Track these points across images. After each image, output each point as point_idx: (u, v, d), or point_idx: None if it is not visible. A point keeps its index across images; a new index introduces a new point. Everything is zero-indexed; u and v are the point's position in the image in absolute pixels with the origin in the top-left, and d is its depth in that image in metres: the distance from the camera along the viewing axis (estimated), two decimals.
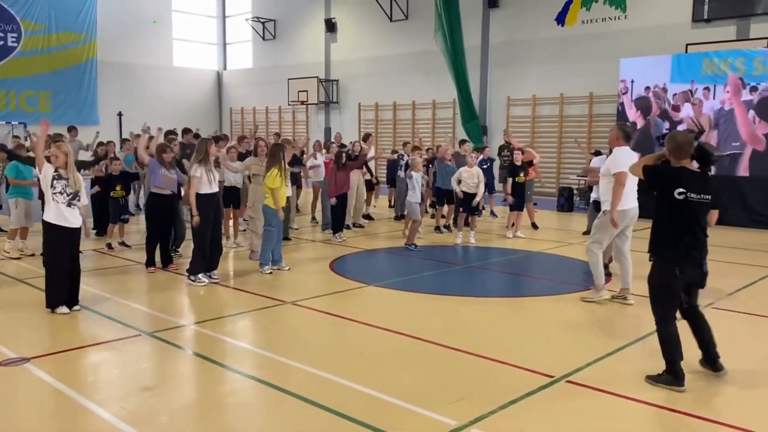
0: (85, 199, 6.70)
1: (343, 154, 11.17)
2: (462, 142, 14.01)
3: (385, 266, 9.69)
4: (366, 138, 14.17)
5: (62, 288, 6.49)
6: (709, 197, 4.72)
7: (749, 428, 4.04)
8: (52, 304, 6.49)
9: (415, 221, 10.49)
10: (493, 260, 9.95)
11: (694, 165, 4.81)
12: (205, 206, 7.80)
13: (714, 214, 5.79)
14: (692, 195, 4.63)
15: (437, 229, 12.14)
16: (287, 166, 8.96)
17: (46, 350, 5.45)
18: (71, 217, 6.47)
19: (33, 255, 9.26)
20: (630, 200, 6.95)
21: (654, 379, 4.75)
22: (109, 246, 10.03)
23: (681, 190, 4.64)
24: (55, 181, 6.42)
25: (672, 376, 4.68)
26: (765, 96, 13.20)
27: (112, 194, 10.05)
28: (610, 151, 7.15)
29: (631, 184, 6.90)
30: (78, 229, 6.58)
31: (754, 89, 13.30)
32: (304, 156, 13.15)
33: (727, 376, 4.97)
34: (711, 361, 4.91)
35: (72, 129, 14.54)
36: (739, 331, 6.37)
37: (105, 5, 24.66)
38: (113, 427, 4.02)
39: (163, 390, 4.64)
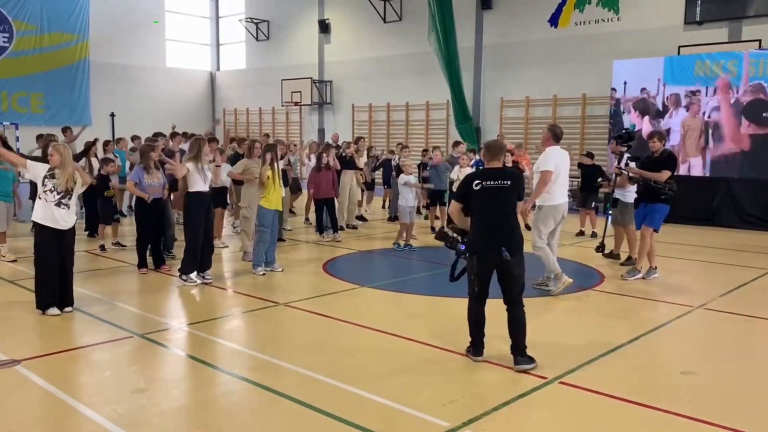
0: (73, 200, 6.58)
1: (323, 156, 11.15)
2: (456, 143, 14.04)
3: (379, 267, 9.68)
4: (356, 141, 14.19)
5: (51, 289, 6.44)
6: (508, 182, 5.17)
7: (741, 429, 4.05)
8: (41, 305, 6.45)
9: (403, 224, 10.51)
10: None
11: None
12: (196, 205, 7.77)
13: (522, 205, 5.97)
14: (488, 182, 5.14)
15: (433, 229, 12.15)
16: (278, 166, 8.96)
17: (37, 352, 5.42)
18: (60, 218, 6.41)
19: (15, 260, 9.17)
20: (559, 197, 7.43)
21: (467, 351, 5.34)
22: (102, 247, 9.98)
23: (477, 181, 5.19)
24: (46, 180, 6.38)
25: (474, 348, 5.27)
26: (754, 97, 13.27)
27: (105, 194, 10.00)
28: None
29: (562, 181, 7.42)
30: (69, 231, 6.52)
31: (746, 91, 13.37)
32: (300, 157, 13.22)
33: (718, 377, 4.99)
34: (513, 353, 5.12)
35: (67, 130, 14.47)
36: (731, 332, 6.40)
37: (98, 5, 24.54)
38: (104, 429, 3.99)
39: (155, 392, 4.62)
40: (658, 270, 8.32)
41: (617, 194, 9.29)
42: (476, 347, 5.26)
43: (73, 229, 6.59)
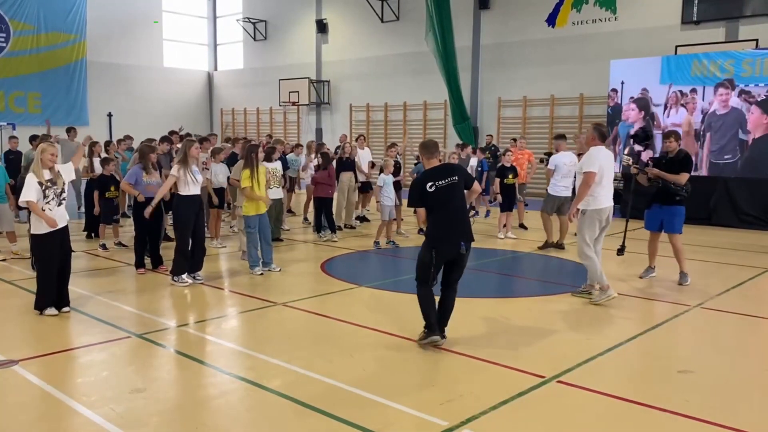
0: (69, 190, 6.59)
1: (326, 155, 11.19)
2: (463, 145, 14.07)
3: (376, 267, 9.68)
4: (356, 139, 14.19)
5: (52, 291, 6.44)
6: (456, 177, 5.52)
7: (740, 428, 4.06)
8: (40, 306, 6.44)
9: (383, 222, 10.57)
10: (483, 261, 9.95)
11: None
12: (185, 208, 7.77)
13: (472, 193, 6.02)
14: (440, 182, 5.45)
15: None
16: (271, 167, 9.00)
17: (35, 352, 5.41)
18: (62, 217, 6.41)
19: (5, 260, 9.15)
20: (604, 200, 7.04)
21: (421, 339, 5.50)
22: (104, 246, 9.99)
23: (430, 183, 5.47)
24: (47, 191, 6.30)
25: (429, 330, 5.46)
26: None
27: (106, 195, 9.99)
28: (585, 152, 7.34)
29: (606, 183, 7.01)
30: (66, 227, 6.51)
31: (743, 92, 13.39)
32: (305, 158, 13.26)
33: (716, 376, 5.00)
34: (440, 329, 5.54)
35: (71, 130, 14.44)
36: (728, 331, 6.41)
37: (95, 5, 24.52)
38: (102, 429, 3.99)
39: (153, 392, 4.61)
40: (656, 269, 8.34)
41: (549, 186, 10.41)
42: (431, 328, 5.50)
43: (67, 226, 6.57)
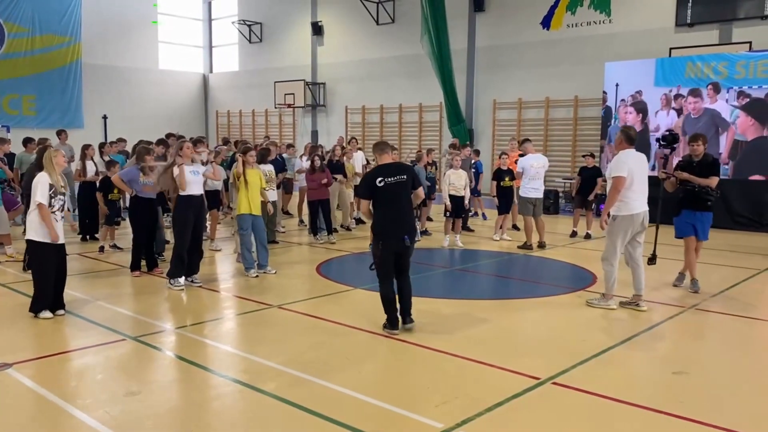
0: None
1: (317, 158, 11.17)
2: (463, 146, 14.09)
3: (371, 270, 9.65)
4: (349, 142, 14.24)
5: (49, 294, 6.41)
6: (404, 176, 5.94)
7: (734, 429, 4.07)
8: (36, 309, 6.40)
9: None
10: (479, 263, 9.98)
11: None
12: (185, 208, 7.75)
13: (416, 196, 6.24)
14: (389, 179, 5.86)
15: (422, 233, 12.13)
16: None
17: (30, 355, 5.40)
18: (61, 230, 6.38)
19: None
20: (637, 205, 6.78)
21: (384, 327, 6.00)
22: (102, 249, 9.98)
23: (380, 179, 5.87)
24: (53, 200, 6.26)
25: (391, 325, 5.95)
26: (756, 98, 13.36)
27: (110, 197, 9.98)
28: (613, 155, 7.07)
29: (640, 187, 6.77)
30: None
31: (740, 93, 13.44)
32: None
33: (710, 377, 5.02)
34: (402, 316, 6.02)
35: (62, 132, 14.37)
36: (722, 332, 6.43)
37: (89, 7, 24.46)
38: None
39: (148, 394, 4.61)
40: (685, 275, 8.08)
41: (520, 189, 10.67)
42: (392, 322, 5.97)
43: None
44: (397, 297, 6.02)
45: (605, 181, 10.29)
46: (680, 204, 7.79)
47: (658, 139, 8.42)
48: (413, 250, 6.14)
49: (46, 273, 6.36)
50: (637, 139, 6.91)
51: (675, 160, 8.33)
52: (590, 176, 11.81)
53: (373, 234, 6.06)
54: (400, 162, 6.32)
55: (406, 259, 6.05)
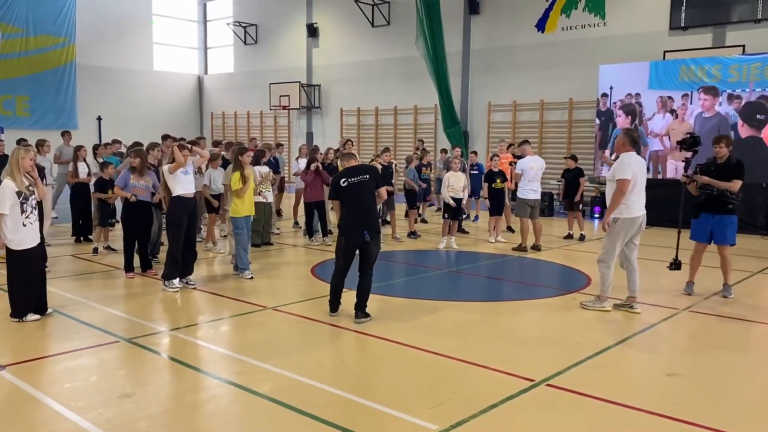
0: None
1: (315, 160, 11.15)
2: (454, 148, 14.10)
3: None
4: (344, 145, 14.24)
5: (29, 299, 6.32)
6: (367, 176, 6.40)
7: (728, 430, 4.09)
8: (18, 314, 6.31)
9: None
10: (474, 264, 9.99)
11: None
12: (178, 209, 7.73)
13: (379, 196, 6.64)
14: (352, 179, 6.35)
15: (411, 234, 12.09)
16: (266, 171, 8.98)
17: (23, 357, 5.37)
18: (33, 238, 6.28)
19: None
20: (638, 208, 6.80)
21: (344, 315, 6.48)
22: (96, 250, 9.95)
23: (344, 179, 6.37)
24: (24, 205, 6.12)
25: (331, 309, 6.58)
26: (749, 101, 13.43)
27: (104, 197, 9.93)
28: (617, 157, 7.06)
29: (639, 190, 6.78)
30: (41, 241, 6.43)
31: (733, 96, 13.50)
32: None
33: (704, 379, 5.03)
34: (355, 310, 6.44)
35: (66, 133, 14.30)
36: (716, 334, 6.45)
37: (84, 8, 24.41)
38: None
39: (142, 396, 4.59)
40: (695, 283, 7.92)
41: (518, 191, 10.70)
42: (333, 306, 6.59)
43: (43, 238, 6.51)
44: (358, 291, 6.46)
45: (589, 181, 10.37)
46: (700, 207, 7.64)
47: (678, 142, 8.24)
48: (377, 250, 6.50)
49: (28, 279, 6.27)
50: (639, 142, 6.86)
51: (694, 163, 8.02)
52: (573, 178, 11.90)
53: (339, 230, 6.54)
54: (364, 164, 7.01)
55: (369, 256, 6.41)
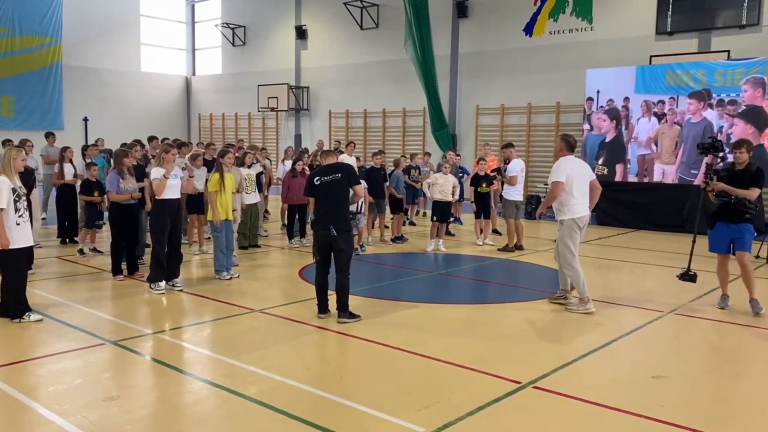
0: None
1: (300, 163, 11.12)
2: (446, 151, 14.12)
3: (355, 274, 9.60)
4: (346, 146, 14.25)
5: (21, 299, 6.31)
6: (339, 175, 6.60)
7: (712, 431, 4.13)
8: (17, 315, 6.27)
9: (358, 229, 10.69)
10: (461, 267, 10.01)
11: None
12: (162, 212, 7.69)
13: (355, 194, 6.90)
14: (324, 178, 6.60)
15: (396, 239, 12.03)
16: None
17: (6, 360, 5.31)
18: (29, 237, 6.28)
19: None
20: (581, 208, 7.08)
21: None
22: (81, 252, 9.86)
23: (317, 178, 6.64)
24: (17, 203, 6.12)
25: (319, 310, 6.66)
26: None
27: (91, 199, 9.86)
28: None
29: (577, 192, 7.04)
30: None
31: (721, 102, 13.63)
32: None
33: (689, 381, 5.07)
34: (338, 307, 6.54)
35: (50, 135, 14.20)
36: (701, 337, 6.51)
37: (71, 8, 24.25)
38: None
39: (127, 399, 4.56)
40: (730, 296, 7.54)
41: (504, 192, 11.08)
42: (321, 307, 6.68)
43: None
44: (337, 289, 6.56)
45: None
46: (715, 216, 7.23)
47: (698, 145, 8.10)
48: (348, 247, 6.60)
49: (18, 279, 6.27)
50: (576, 146, 7.29)
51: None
52: None
53: (311, 226, 6.85)
54: (340, 162, 7.21)
55: (338, 252, 6.54)
